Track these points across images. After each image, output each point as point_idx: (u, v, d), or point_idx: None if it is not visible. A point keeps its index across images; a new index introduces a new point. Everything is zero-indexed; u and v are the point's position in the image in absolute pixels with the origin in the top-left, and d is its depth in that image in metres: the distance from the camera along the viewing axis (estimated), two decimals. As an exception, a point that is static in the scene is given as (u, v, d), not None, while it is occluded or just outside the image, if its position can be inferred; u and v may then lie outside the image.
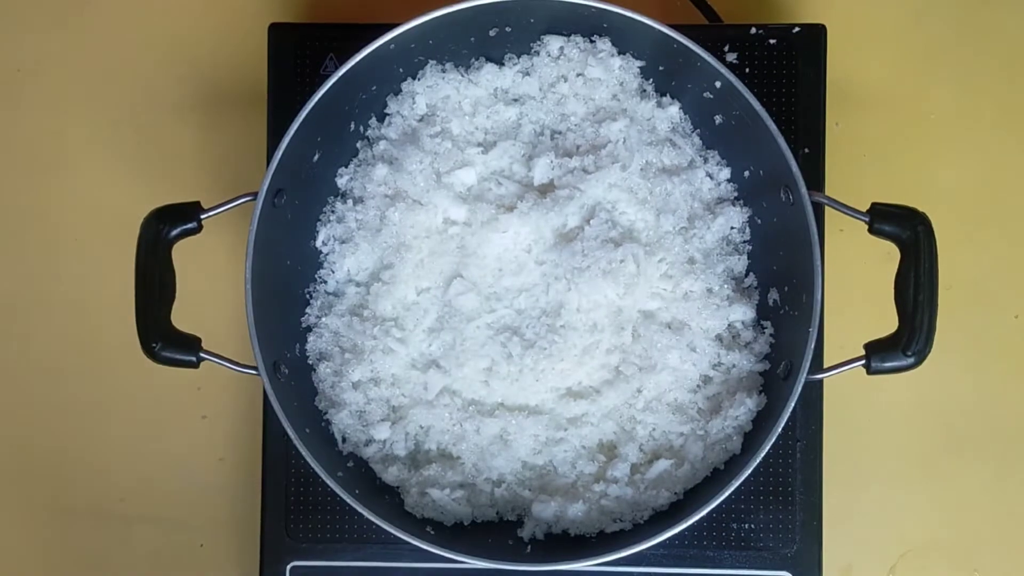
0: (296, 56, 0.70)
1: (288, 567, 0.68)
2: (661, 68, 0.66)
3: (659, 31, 0.61)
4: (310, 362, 0.67)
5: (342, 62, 0.61)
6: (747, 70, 0.70)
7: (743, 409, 0.64)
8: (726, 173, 0.67)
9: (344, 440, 0.65)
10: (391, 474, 0.66)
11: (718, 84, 0.63)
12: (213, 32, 0.78)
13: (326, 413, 0.66)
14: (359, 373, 0.65)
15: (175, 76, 0.78)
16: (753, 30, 0.70)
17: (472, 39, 0.66)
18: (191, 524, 0.77)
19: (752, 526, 0.68)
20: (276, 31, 0.71)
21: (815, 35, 0.70)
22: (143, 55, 0.79)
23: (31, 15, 0.79)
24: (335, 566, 0.68)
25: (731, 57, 0.70)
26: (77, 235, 0.77)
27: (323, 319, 0.67)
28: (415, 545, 0.59)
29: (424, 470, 0.65)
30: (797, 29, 0.70)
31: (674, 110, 0.67)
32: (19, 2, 0.79)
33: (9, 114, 0.78)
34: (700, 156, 0.68)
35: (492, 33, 0.66)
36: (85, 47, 0.79)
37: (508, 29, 0.65)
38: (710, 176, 0.67)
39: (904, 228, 0.58)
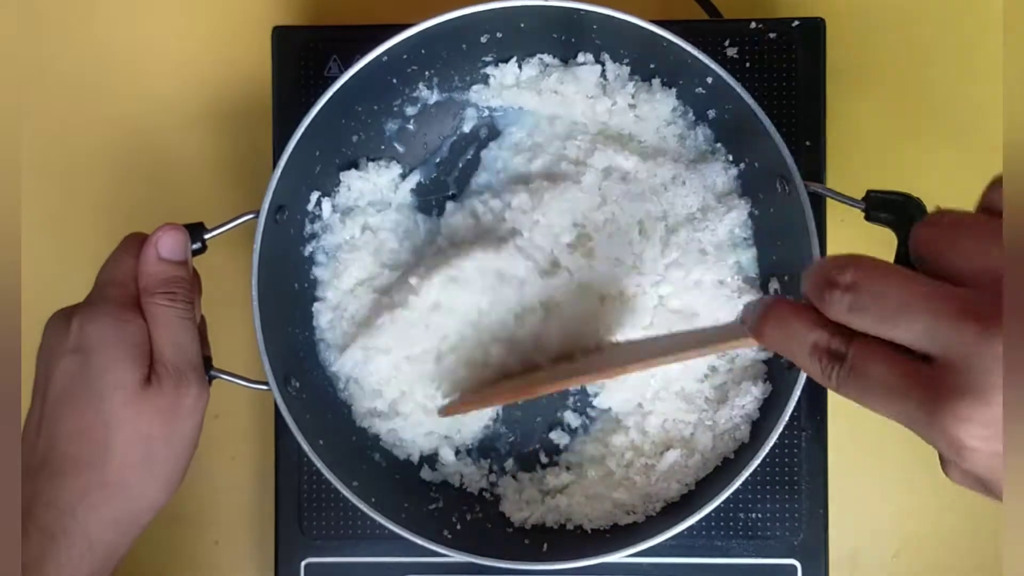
0: (300, 59, 0.71)
1: (303, 563, 0.69)
2: (652, 66, 0.67)
3: (648, 30, 0.61)
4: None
5: (346, 64, 0.62)
6: (747, 64, 0.70)
7: (749, 398, 0.65)
8: (734, 171, 0.68)
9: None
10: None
11: (710, 80, 0.63)
12: (216, 37, 0.79)
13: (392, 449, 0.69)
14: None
15: (179, 81, 0.79)
16: (753, 24, 0.70)
17: (464, 46, 0.67)
18: (205, 521, 0.78)
19: (759, 515, 0.69)
20: (279, 34, 0.71)
21: (814, 28, 0.70)
22: (146, 61, 0.79)
23: (30, 26, 0.79)
24: (350, 562, 0.69)
25: (731, 52, 0.70)
26: (88, 243, 0.78)
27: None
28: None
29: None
30: (796, 23, 0.70)
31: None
32: (22, 11, 0.79)
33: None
34: (711, 149, 0.69)
35: (483, 39, 0.66)
36: (86, 54, 0.79)
37: (499, 35, 0.66)
38: (725, 169, 0.68)
39: (899, 214, 0.59)
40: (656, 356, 0.53)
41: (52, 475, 0.53)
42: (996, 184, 0.35)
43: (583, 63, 0.68)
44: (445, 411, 0.65)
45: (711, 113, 0.67)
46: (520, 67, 0.69)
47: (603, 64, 0.68)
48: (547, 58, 0.69)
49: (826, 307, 0.36)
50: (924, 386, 0.33)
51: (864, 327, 0.35)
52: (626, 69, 0.68)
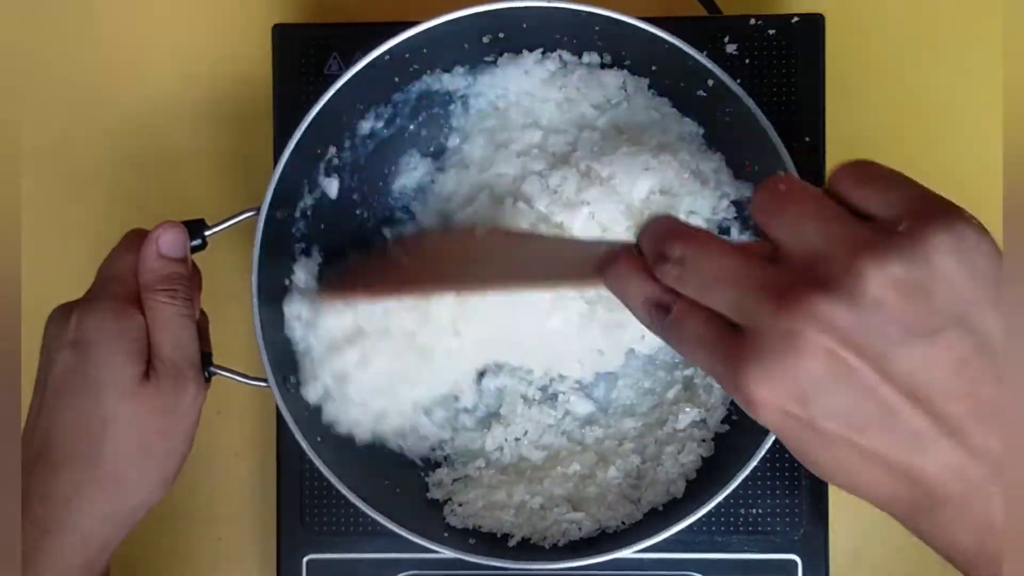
0: (300, 56, 0.71)
1: (304, 560, 0.69)
2: (654, 68, 0.67)
3: (649, 32, 0.61)
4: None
5: (346, 62, 0.62)
6: (747, 61, 0.70)
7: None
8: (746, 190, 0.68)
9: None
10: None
11: (710, 82, 0.63)
12: (216, 34, 0.79)
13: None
14: None
15: (179, 79, 0.79)
16: (752, 21, 0.70)
17: (466, 46, 0.67)
18: (208, 518, 0.78)
19: (760, 511, 0.69)
20: (279, 32, 0.71)
21: (814, 24, 0.70)
22: (146, 59, 0.79)
23: (31, 21, 0.80)
24: (352, 558, 0.69)
25: (731, 48, 0.70)
26: (89, 240, 0.78)
27: None
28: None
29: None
30: (796, 19, 0.70)
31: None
32: (22, 9, 0.79)
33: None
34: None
35: (486, 40, 0.66)
36: (86, 51, 0.80)
37: (501, 35, 0.66)
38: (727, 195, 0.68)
39: (896, 216, 0.59)
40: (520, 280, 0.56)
41: (47, 468, 0.54)
42: (839, 167, 0.39)
43: (599, 63, 0.68)
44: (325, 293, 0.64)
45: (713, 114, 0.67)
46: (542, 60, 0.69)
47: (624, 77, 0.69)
48: (566, 55, 0.69)
49: (658, 275, 0.40)
50: (728, 347, 0.37)
51: (688, 294, 0.39)
52: (644, 81, 0.68)
